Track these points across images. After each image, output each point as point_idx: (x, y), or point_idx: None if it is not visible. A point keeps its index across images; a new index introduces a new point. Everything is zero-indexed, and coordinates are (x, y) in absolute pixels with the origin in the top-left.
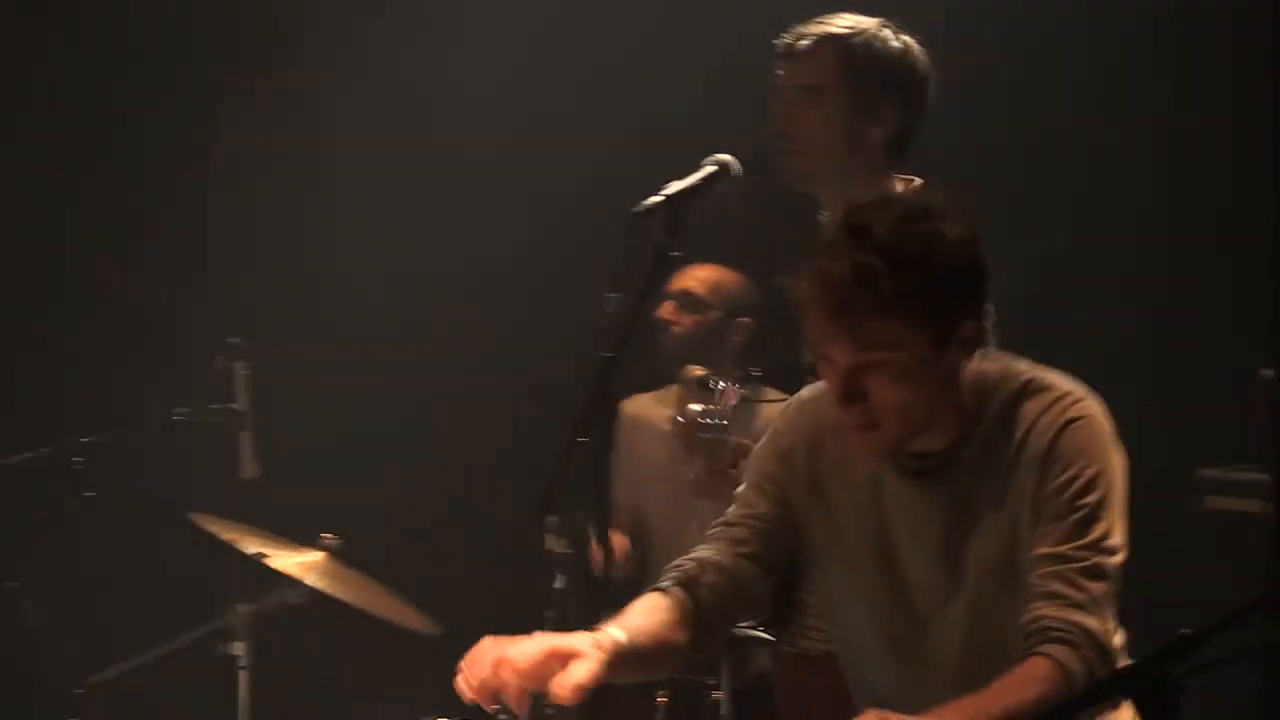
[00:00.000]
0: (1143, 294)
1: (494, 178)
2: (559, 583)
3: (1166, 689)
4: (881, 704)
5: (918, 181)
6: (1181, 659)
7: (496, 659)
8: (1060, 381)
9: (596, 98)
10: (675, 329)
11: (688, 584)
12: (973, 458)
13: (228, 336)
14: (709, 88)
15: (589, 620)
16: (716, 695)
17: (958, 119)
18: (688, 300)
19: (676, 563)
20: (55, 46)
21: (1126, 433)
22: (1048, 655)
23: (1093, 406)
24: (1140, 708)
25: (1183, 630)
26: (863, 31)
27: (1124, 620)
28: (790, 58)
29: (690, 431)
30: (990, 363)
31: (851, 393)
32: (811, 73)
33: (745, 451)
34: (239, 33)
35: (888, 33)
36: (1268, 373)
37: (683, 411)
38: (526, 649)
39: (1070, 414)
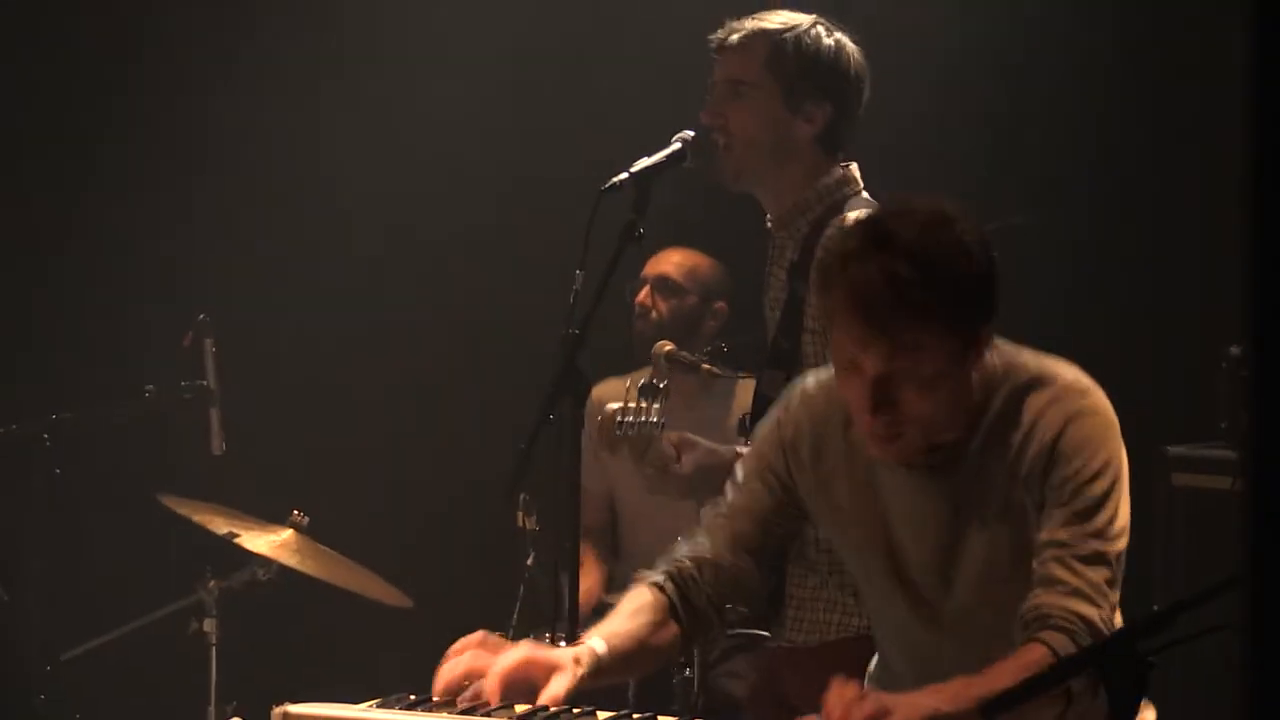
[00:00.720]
0: (1111, 270)
1: (461, 157)
2: (530, 559)
3: (1136, 665)
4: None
5: (854, 166)
6: (1151, 635)
7: (478, 665)
8: (1065, 373)
9: (563, 75)
10: (652, 315)
11: (683, 582)
12: (976, 452)
13: (198, 313)
14: (679, 67)
15: (557, 597)
16: (689, 673)
17: (934, 96)
18: (664, 286)
19: (675, 557)
20: (23, 24)
21: None
22: (1043, 642)
23: (1098, 398)
24: (1109, 683)
25: (1153, 607)
26: (794, 28)
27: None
28: (721, 51)
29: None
30: (994, 354)
31: (881, 401)
32: (739, 68)
33: (688, 444)
34: (210, 13)
35: (820, 30)
36: (1236, 350)
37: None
38: (510, 656)
39: (1076, 406)
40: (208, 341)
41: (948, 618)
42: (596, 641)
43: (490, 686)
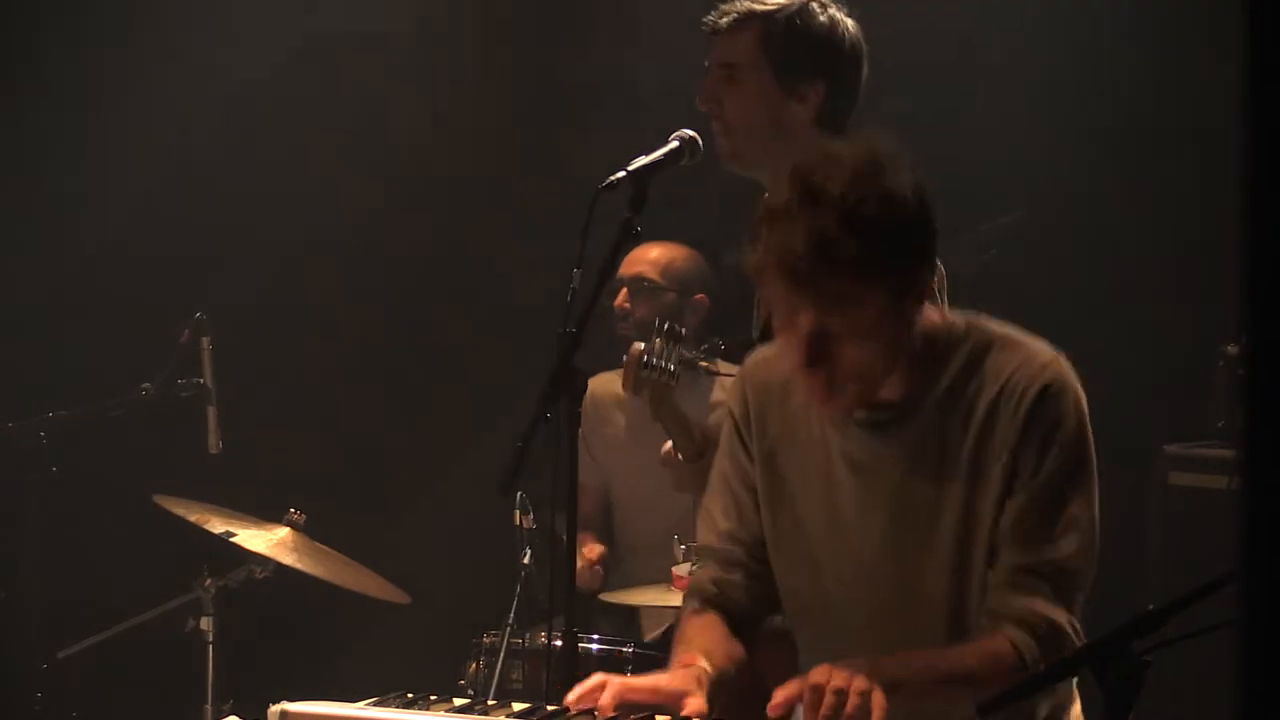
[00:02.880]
0: (1106, 269)
1: (457, 154)
2: (526, 557)
3: (1131, 664)
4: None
5: None
6: (1146, 635)
7: (605, 686)
8: (1030, 340)
9: (561, 73)
10: (632, 318)
11: (720, 605)
12: (934, 407)
13: (195, 311)
14: (677, 61)
15: (554, 595)
16: None
17: (928, 96)
18: (640, 286)
19: (698, 588)
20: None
21: (1092, 409)
22: (1008, 636)
23: (1066, 367)
24: (1105, 683)
25: (1149, 605)
26: (786, 8)
27: (1087, 596)
28: (714, 35)
29: (633, 367)
30: (955, 315)
31: (816, 357)
32: (731, 51)
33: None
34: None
35: (814, 8)
36: (1232, 348)
37: (629, 349)
38: (640, 681)
39: (1048, 375)
40: (204, 340)
41: (897, 574)
42: (704, 662)
43: (605, 700)
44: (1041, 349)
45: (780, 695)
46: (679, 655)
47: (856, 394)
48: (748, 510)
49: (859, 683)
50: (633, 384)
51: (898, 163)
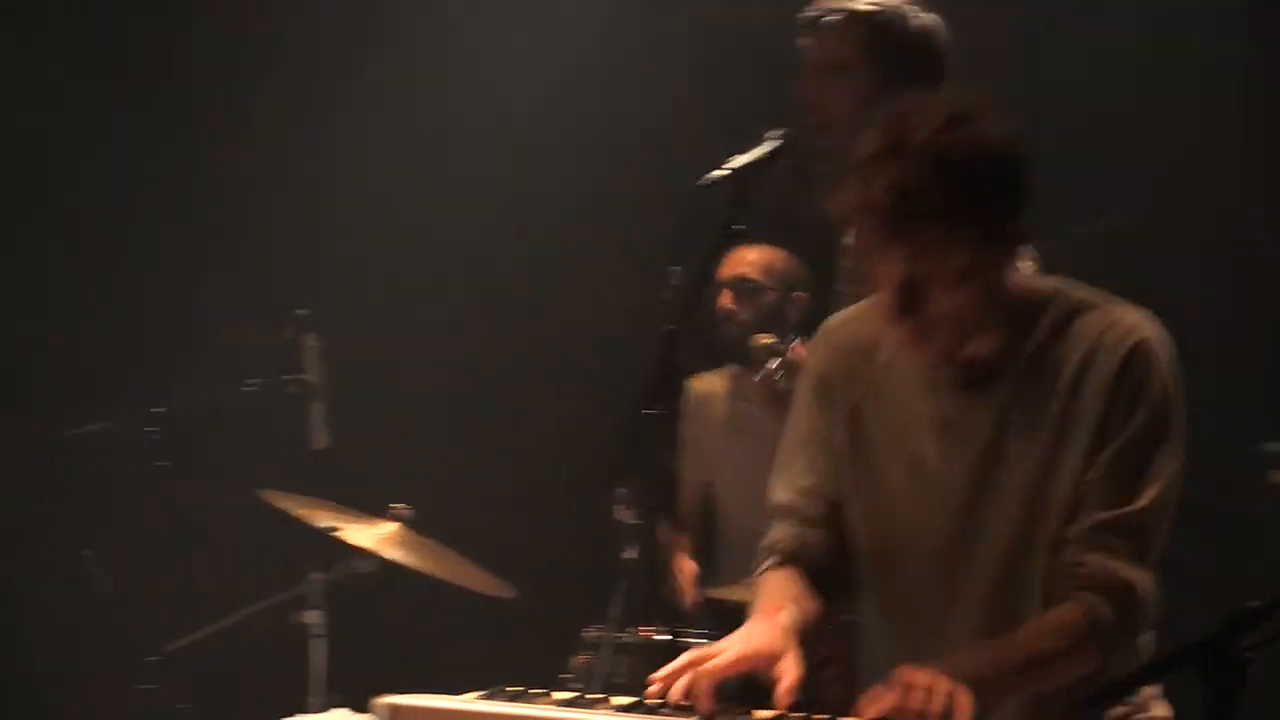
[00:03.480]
0: (1207, 268)
1: (561, 149)
2: (628, 553)
3: (1233, 661)
4: (903, 633)
5: None
6: (1248, 631)
7: (693, 666)
8: (1118, 302)
9: (661, 69)
10: (736, 319)
11: (800, 559)
12: (1022, 368)
13: (297, 308)
14: (775, 61)
15: (657, 591)
16: None
17: (1031, 99)
18: (744, 287)
19: (776, 543)
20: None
21: (1192, 407)
22: (1082, 602)
23: (1155, 327)
24: (1206, 680)
25: (1249, 603)
26: (886, 10)
27: (1188, 594)
28: (815, 33)
29: (767, 389)
30: (1044, 280)
31: (907, 305)
32: (836, 50)
33: None
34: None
35: (910, 11)
36: None
37: (758, 371)
38: (724, 656)
39: (1137, 335)
40: (308, 336)
41: (983, 533)
42: (787, 614)
43: (701, 688)
44: (1130, 310)
45: (873, 710)
46: (763, 606)
47: (947, 342)
48: (826, 469)
49: (943, 683)
50: (770, 399)
51: (987, 112)
